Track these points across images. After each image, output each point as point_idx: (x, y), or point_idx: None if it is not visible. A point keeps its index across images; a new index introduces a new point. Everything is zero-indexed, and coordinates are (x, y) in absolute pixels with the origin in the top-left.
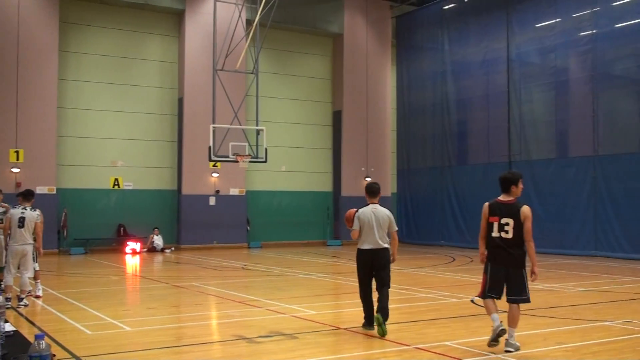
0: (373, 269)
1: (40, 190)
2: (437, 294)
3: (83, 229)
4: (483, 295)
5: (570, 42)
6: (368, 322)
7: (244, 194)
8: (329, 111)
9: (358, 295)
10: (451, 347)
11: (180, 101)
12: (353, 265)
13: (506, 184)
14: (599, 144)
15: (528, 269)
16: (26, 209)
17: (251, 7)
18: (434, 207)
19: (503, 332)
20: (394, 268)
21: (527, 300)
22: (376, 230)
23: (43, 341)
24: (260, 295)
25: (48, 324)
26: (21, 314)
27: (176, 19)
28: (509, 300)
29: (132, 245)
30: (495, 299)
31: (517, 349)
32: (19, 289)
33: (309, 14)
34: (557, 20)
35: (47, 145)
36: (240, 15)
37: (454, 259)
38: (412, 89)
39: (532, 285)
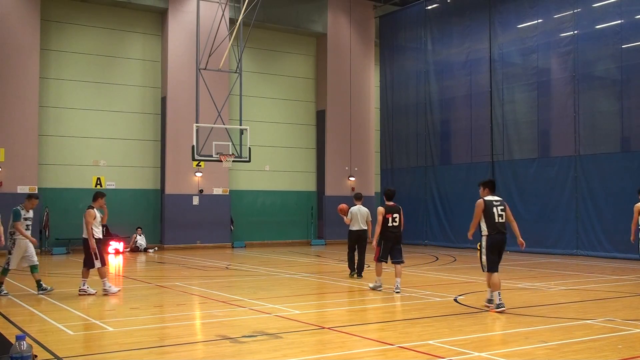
0: (357, 242)
1: (21, 189)
2: (421, 293)
3: (65, 228)
4: (378, 260)
5: (551, 43)
6: (352, 272)
7: (227, 193)
8: (312, 111)
9: (340, 295)
10: (435, 346)
11: (163, 100)
12: (337, 265)
13: (393, 194)
14: (580, 144)
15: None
16: None
17: (234, 6)
18: (418, 206)
19: (380, 289)
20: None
21: (403, 262)
22: (360, 219)
23: (24, 342)
24: (244, 295)
25: (29, 325)
26: (1, 314)
27: (159, 17)
28: (395, 262)
29: (114, 245)
30: (383, 262)
31: (400, 291)
32: None
33: (293, 13)
34: (539, 21)
35: (29, 144)
36: (223, 14)
37: (437, 258)
38: (395, 89)
39: (514, 285)
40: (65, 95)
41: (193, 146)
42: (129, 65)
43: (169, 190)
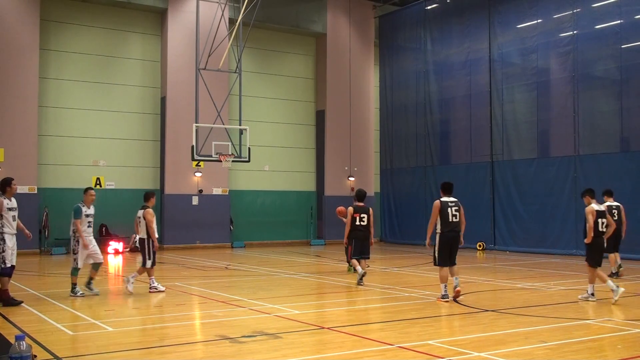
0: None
1: (21, 189)
2: (420, 293)
3: (64, 228)
4: (352, 257)
5: (551, 43)
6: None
7: (227, 193)
8: (312, 111)
9: (339, 295)
10: (434, 346)
11: (163, 100)
12: (336, 265)
13: (363, 196)
14: (580, 144)
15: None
16: None
17: (234, 6)
18: (417, 206)
19: (363, 277)
20: (377, 268)
21: (369, 257)
22: None
23: (24, 342)
24: (244, 295)
25: (29, 325)
26: (1, 314)
27: (158, 17)
28: (362, 258)
29: (114, 245)
30: (357, 260)
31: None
32: None
33: (292, 13)
34: (539, 21)
35: (28, 144)
36: (223, 14)
37: None
38: (395, 89)
39: (513, 285)
40: (65, 95)
41: (193, 146)
42: (128, 65)
43: (168, 190)
